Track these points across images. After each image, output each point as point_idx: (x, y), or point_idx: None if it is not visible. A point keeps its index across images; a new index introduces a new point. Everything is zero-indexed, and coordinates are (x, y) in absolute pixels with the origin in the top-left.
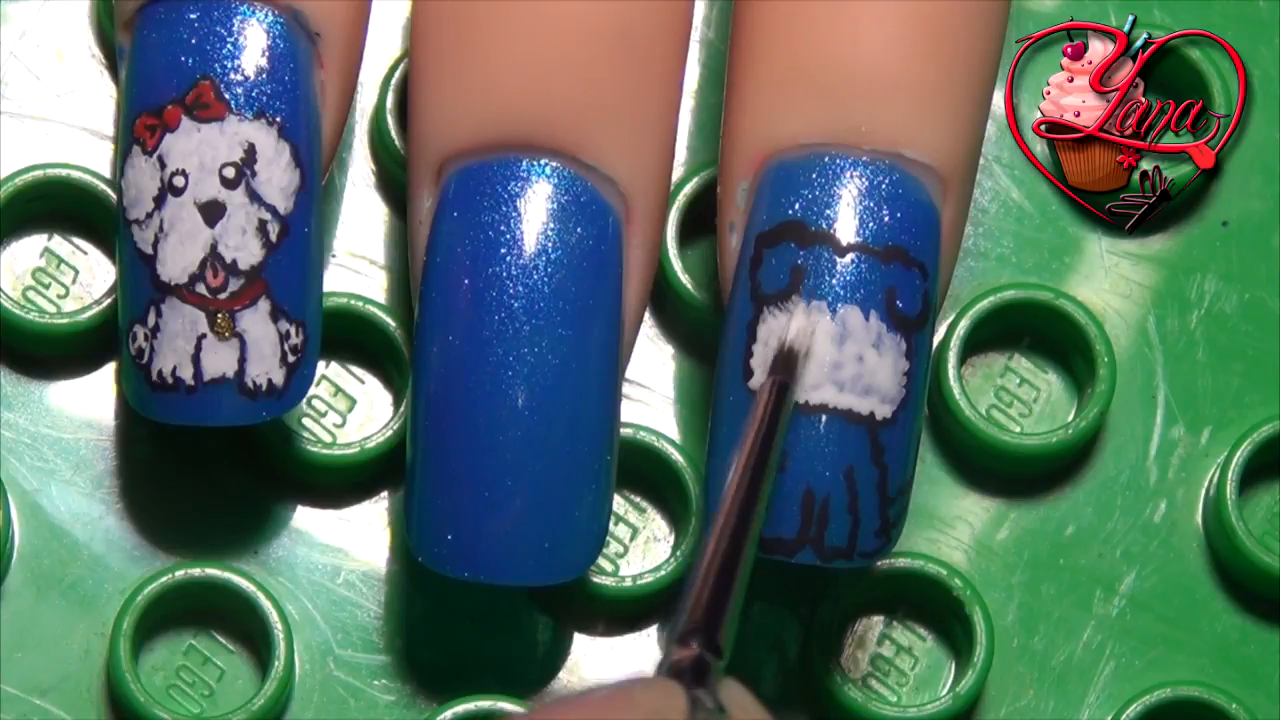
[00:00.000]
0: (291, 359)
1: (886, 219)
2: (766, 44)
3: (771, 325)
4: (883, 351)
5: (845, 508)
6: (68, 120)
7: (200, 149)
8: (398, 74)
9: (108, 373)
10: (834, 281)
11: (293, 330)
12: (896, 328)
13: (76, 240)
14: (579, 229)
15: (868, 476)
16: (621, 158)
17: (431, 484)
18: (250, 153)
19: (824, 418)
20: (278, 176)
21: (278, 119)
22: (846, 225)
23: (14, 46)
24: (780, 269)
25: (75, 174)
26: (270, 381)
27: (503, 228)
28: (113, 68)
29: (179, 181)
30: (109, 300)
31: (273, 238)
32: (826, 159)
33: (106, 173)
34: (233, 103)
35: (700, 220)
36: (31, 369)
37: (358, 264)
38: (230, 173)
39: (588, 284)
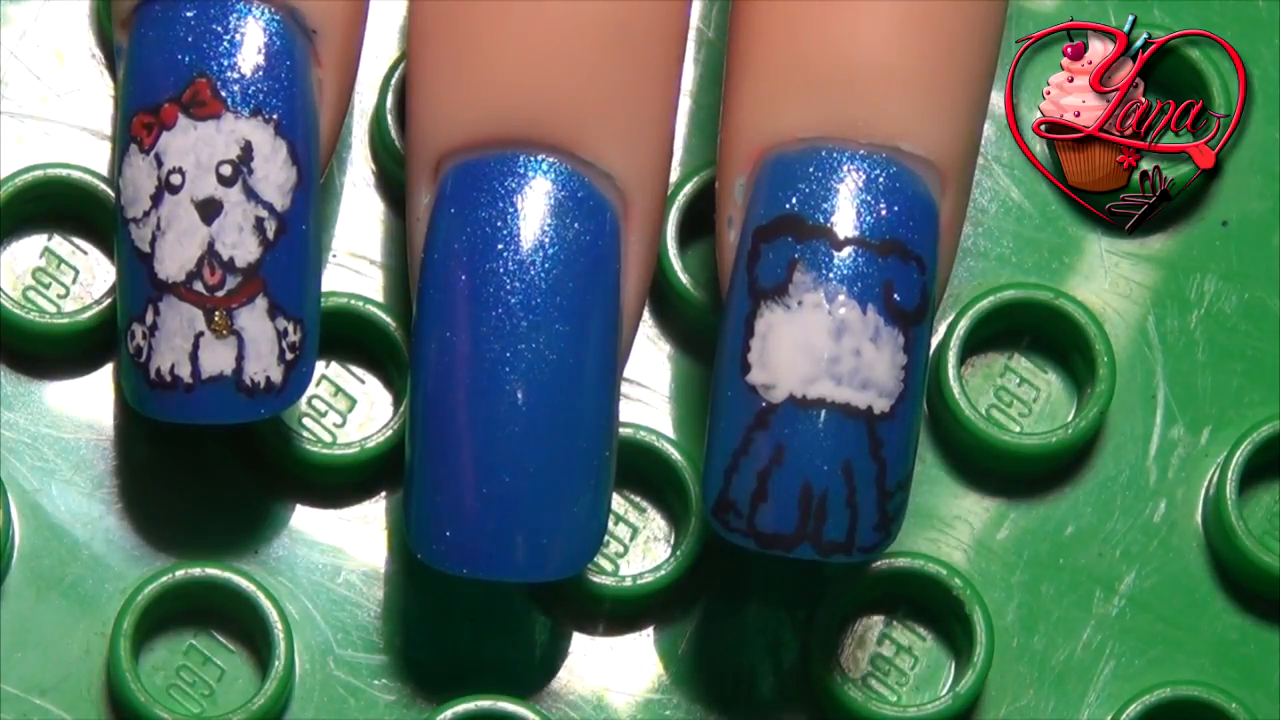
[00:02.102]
0: (289, 357)
1: (884, 212)
2: (764, 38)
3: (769, 320)
4: (880, 345)
5: (843, 502)
6: (68, 120)
7: (197, 146)
8: (398, 74)
9: (107, 373)
10: (831, 275)
11: (290, 328)
12: (894, 321)
13: (76, 240)
14: (576, 225)
15: (866, 471)
16: (619, 154)
17: (430, 480)
18: (247, 150)
19: (822, 412)
20: (274, 174)
21: (274, 116)
22: (844, 219)
23: (14, 46)
24: (778, 263)
25: (75, 174)
26: (268, 379)
27: (500, 224)
28: (113, 68)
29: (176, 179)
30: (109, 300)
31: (270, 235)
32: (824, 152)
33: (106, 172)
34: (229, 100)
35: (700, 220)
36: (31, 369)
37: (357, 263)
38: (227, 170)
39: (585, 280)
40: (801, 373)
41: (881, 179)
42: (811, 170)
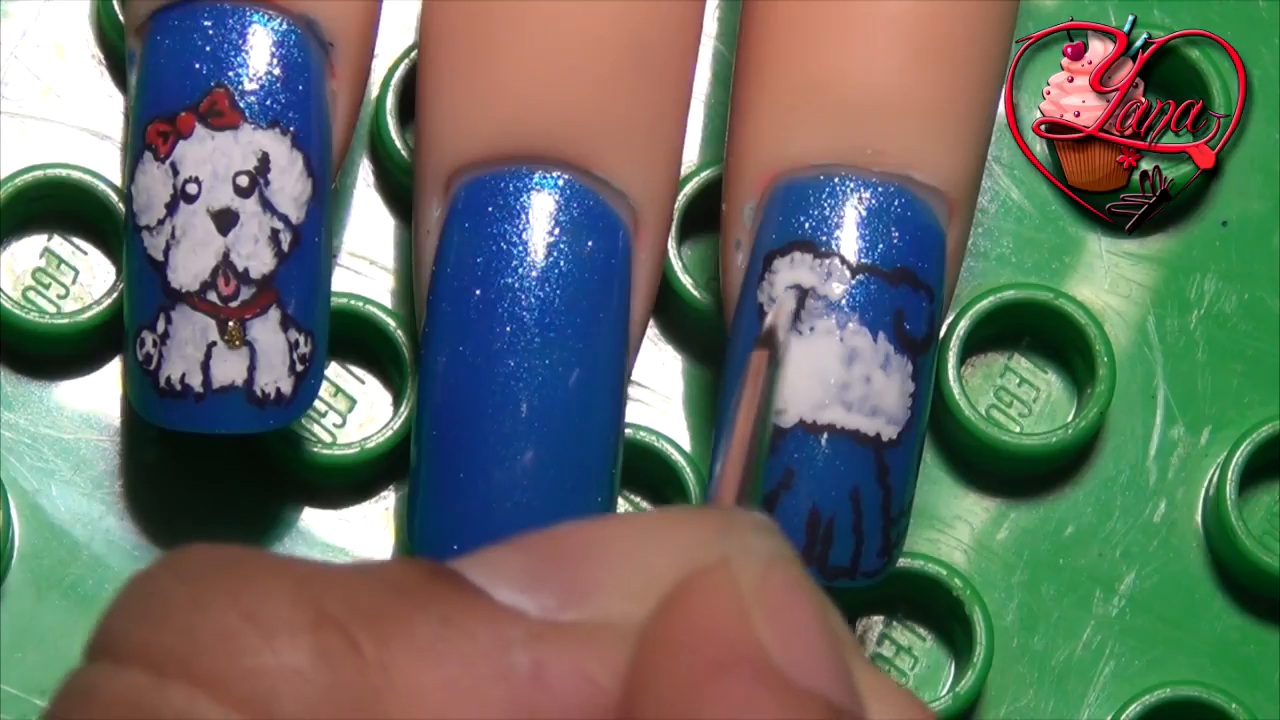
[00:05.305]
0: (300, 368)
1: (896, 240)
2: (776, 64)
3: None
4: (890, 373)
5: (850, 528)
6: (68, 120)
7: (214, 157)
8: (398, 74)
9: (108, 373)
10: (844, 302)
11: (301, 340)
12: (904, 349)
13: (76, 240)
14: (590, 242)
15: (872, 497)
16: (633, 172)
17: (438, 494)
18: (264, 161)
19: (831, 438)
20: (290, 186)
21: (291, 129)
22: (857, 246)
23: (14, 46)
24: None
25: (75, 174)
26: (279, 390)
27: (515, 240)
28: (113, 68)
29: (192, 189)
30: (109, 300)
31: (284, 247)
32: (837, 180)
33: (106, 173)
34: (247, 111)
35: (699, 220)
36: (31, 369)
37: (358, 264)
38: (244, 181)
39: (598, 297)
40: (812, 398)
41: (894, 208)
42: (825, 197)
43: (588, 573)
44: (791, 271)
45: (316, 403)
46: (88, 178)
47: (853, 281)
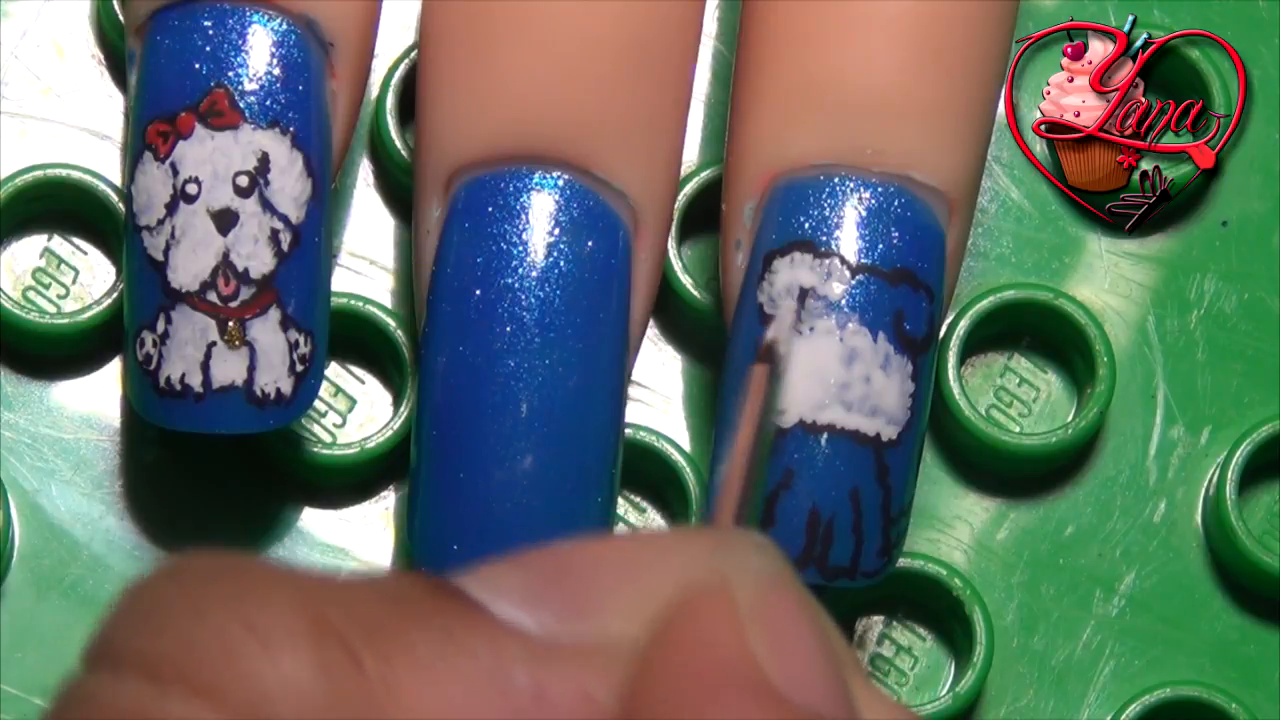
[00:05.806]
0: (300, 368)
1: (896, 241)
2: (776, 64)
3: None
4: (890, 373)
5: (850, 528)
6: (68, 120)
7: (214, 157)
8: (398, 74)
9: (108, 373)
10: (844, 302)
11: (301, 340)
12: (904, 349)
13: (76, 240)
14: (590, 242)
15: (872, 497)
16: (633, 172)
17: (438, 494)
18: (264, 162)
19: (831, 438)
20: (290, 186)
21: (291, 129)
22: (857, 246)
23: (14, 46)
24: (790, 288)
25: (75, 174)
26: (279, 390)
27: (515, 240)
28: (113, 68)
29: (192, 189)
30: (109, 300)
31: (284, 247)
32: (836, 180)
33: (106, 173)
34: (247, 111)
35: (699, 220)
36: (31, 369)
37: (358, 264)
38: (244, 181)
39: (598, 297)
40: (812, 398)
41: (893, 208)
42: (824, 197)
43: (588, 591)
44: (791, 271)
45: (316, 403)
46: (88, 178)
47: (852, 281)
